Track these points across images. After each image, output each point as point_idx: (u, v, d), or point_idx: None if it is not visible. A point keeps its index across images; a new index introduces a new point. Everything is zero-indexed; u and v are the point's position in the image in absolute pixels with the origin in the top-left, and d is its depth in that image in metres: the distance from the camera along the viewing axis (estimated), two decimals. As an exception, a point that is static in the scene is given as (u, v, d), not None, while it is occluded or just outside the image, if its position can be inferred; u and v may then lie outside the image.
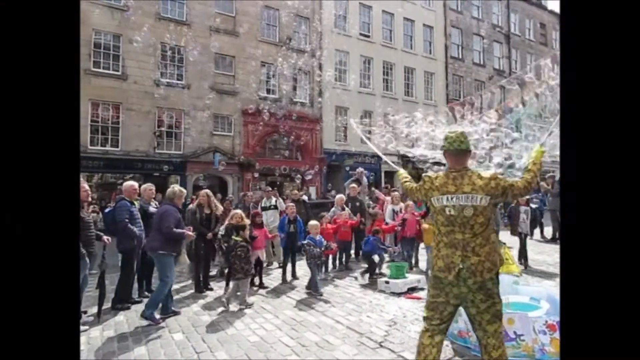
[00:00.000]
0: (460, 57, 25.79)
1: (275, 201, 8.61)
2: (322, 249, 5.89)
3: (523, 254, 7.41)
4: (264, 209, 8.38)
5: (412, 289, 5.81)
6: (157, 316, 4.71)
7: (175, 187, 5.40)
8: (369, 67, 22.26)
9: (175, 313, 4.95)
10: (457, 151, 2.66)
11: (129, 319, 4.86)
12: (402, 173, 3.26)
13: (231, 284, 5.40)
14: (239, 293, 5.29)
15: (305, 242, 5.95)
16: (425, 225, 6.61)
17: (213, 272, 7.21)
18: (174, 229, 4.84)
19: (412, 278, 5.94)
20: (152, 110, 16.30)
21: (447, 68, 24.97)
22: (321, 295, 5.70)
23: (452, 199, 2.55)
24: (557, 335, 3.57)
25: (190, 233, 5.29)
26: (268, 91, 19.37)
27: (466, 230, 2.53)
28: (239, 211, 6.86)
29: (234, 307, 5.22)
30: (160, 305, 4.85)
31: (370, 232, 7.15)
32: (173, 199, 5.18)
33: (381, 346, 3.89)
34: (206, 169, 17.25)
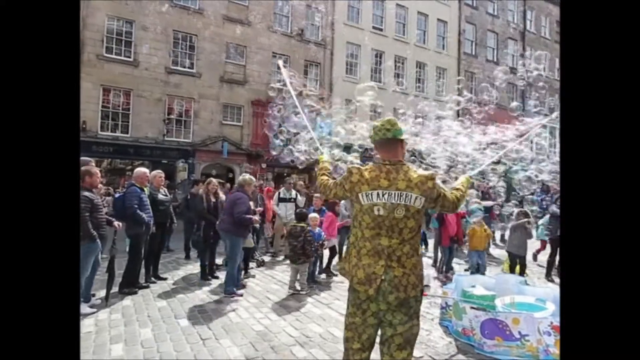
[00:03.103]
0: (473, 53, 25.46)
1: (296, 194, 8.60)
2: (320, 242, 5.91)
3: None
4: (282, 200, 8.37)
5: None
6: (236, 290, 5.34)
7: (245, 176, 5.82)
8: (380, 61, 22.08)
9: (244, 286, 5.71)
10: (385, 141, 2.28)
11: (136, 303, 4.93)
12: (324, 160, 2.71)
13: (291, 268, 5.70)
14: (299, 277, 5.63)
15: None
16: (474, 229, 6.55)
17: (218, 260, 7.27)
18: (244, 215, 5.31)
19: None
20: (162, 98, 16.36)
21: (459, 64, 24.68)
22: (310, 289, 5.72)
23: (383, 195, 2.15)
24: (562, 337, 3.57)
25: (256, 218, 5.90)
26: (279, 81, 19.31)
27: (394, 235, 2.14)
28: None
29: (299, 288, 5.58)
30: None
31: None
32: (244, 186, 5.61)
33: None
34: (215, 158, 17.32)
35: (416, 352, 3.62)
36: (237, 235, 5.38)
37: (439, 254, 7.27)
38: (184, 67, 16.94)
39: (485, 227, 6.65)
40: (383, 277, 2.11)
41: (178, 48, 16.85)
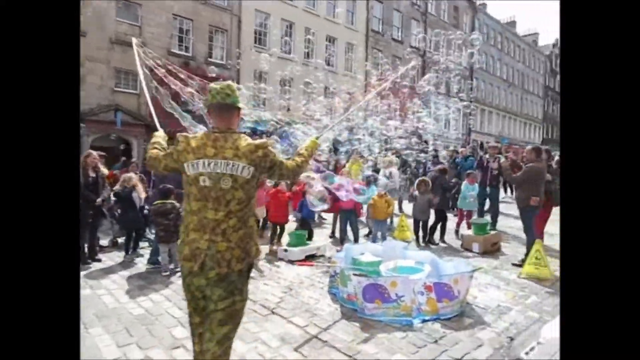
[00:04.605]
0: (380, 31, 26.29)
1: None
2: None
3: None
4: None
5: (311, 257, 5.93)
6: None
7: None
8: (290, 32, 21.64)
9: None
10: (222, 106, 2.16)
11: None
12: (158, 136, 2.51)
13: (162, 248, 5.33)
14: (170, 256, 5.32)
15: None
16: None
17: (104, 241, 6.60)
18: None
19: (311, 246, 6.05)
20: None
21: (367, 41, 25.32)
22: None
23: (209, 164, 2.04)
24: (433, 295, 3.89)
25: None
26: (180, 48, 17.84)
27: (220, 207, 2.03)
28: (132, 175, 6.32)
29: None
30: None
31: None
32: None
33: (273, 313, 3.90)
34: (107, 129, 15.58)
35: (300, 321, 3.69)
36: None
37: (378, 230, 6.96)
38: (64, 23, 14.66)
39: (387, 197, 6.86)
40: (207, 252, 2.02)
41: None
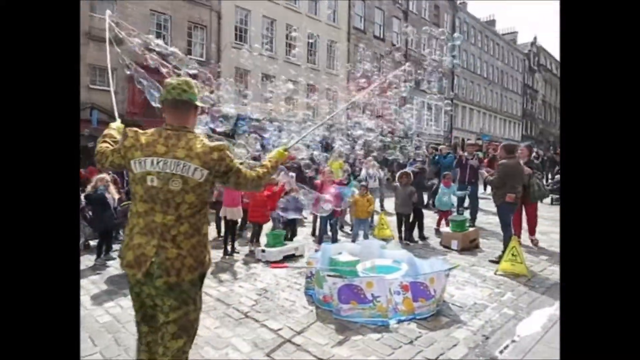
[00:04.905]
0: (362, 29, 26.28)
1: None
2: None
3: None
4: None
5: (289, 257, 5.84)
6: None
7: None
8: (271, 29, 21.41)
9: None
10: (177, 102, 2.03)
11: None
12: (112, 128, 2.31)
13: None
14: None
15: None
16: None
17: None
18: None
19: (289, 246, 5.96)
20: (6, 54, 13.52)
21: (349, 38, 25.27)
22: None
23: (158, 163, 1.89)
24: (409, 294, 3.86)
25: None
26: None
27: (169, 210, 1.90)
28: (105, 175, 6.11)
29: None
30: None
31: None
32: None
33: (246, 316, 3.79)
34: (82, 128, 15.11)
35: (275, 324, 3.60)
36: None
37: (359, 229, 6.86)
38: (35, 18, 14.15)
39: (369, 196, 6.84)
40: (153, 259, 1.88)
41: (25, -6, 13.95)
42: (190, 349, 2.09)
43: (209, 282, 4.78)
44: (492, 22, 42.32)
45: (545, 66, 52.30)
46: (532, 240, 6.75)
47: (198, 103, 2.12)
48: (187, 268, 1.92)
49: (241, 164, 2.22)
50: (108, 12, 3.54)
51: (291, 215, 6.14)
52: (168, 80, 2.10)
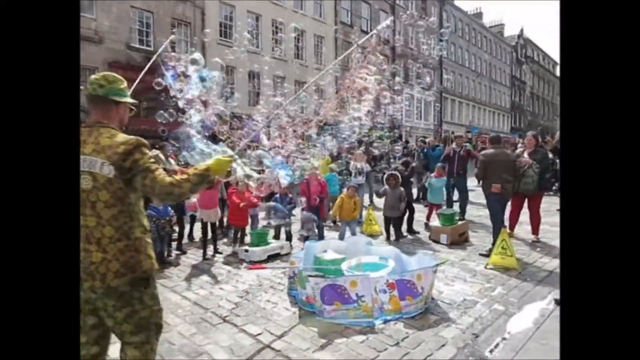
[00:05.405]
0: (349, 23, 26.04)
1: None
2: (167, 218, 5.28)
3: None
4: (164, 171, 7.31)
5: (275, 256, 5.64)
6: None
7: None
8: (257, 25, 21.08)
9: None
10: (93, 97, 1.93)
11: None
12: None
13: None
14: None
15: (148, 211, 5.27)
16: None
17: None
18: None
19: (274, 245, 5.75)
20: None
21: (336, 33, 25.03)
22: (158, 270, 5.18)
23: (84, 162, 1.80)
24: (396, 292, 3.69)
25: None
26: (141, 42, 17.05)
27: (87, 210, 1.80)
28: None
29: None
30: None
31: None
32: None
33: (225, 321, 3.59)
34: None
35: (255, 329, 3.40)
36: None
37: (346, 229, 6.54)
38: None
39: (356, 198, 6.58)
40: (82, 264, 1.80)
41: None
42: (158, 339, 2.08)
43: (187, 285, 4.56)
44: (479, 15, 42.34)
45: (533, 58, 52.59)
46: (534, 241, 6.27)
47: (117, 98, 1.98)
48: (112, 273, 1.82)
49: (165, 169, 2.06)
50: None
51: (276, 222, 5.96)
52: (92, 76, 1.99)
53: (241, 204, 5.75)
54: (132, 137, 1.90)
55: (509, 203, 6.11)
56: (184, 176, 1.93)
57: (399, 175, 6.73)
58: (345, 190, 6.59)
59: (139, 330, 1.94)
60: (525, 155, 6.17)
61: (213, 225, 5.83)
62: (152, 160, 1.89)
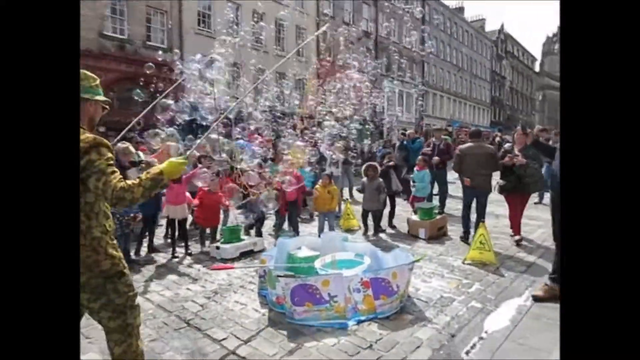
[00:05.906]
0: (331, 15, 25.70)
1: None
2: (132, 215, 4.96)
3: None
4: (133, 163, 6.86)
5: (248, 253, 5.41)
6: None
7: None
8: (237, 14, 20.55)
9: None
10: None
11: None
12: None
13: None
14: None
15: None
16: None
17: None
18: None
19: (246, 242, 5.51)
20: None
21: (318, 25, 24.66)
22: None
23: None
24: (370, 292, 3.52)
25: None
26: (114, 30, 16.35)
27: None
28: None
29: None
30: None
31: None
32: None
33: (188, 325, 3.36)
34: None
35: (220, 333, 3.19)
36: None
37: (324, 222, 6.33)
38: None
39: (331, 188, 6.35)
40: None
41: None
42: (138, 320, 2.08)
43: (151, 286, 4.30)
44: (460, 10, 42.54)
45: (513, 53, 53.30)
46: (516, 242, 5.78)
47: (87, 96, 1.95)
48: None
49: (133, 161, 1.93)
50: None
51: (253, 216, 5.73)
52: None
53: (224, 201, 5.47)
54: (92, 136, 1.82)
55: (507, 205, 6.01)
56: (136, 181, 1.84)
57: (377, 167, 6.57)
58: (320, 181, 6.38)
59: (117, 315, 1.99)
60: (516, 151, 5.64)
61: (181, 222, 5.52)
62: (110, 162, 1.82)
